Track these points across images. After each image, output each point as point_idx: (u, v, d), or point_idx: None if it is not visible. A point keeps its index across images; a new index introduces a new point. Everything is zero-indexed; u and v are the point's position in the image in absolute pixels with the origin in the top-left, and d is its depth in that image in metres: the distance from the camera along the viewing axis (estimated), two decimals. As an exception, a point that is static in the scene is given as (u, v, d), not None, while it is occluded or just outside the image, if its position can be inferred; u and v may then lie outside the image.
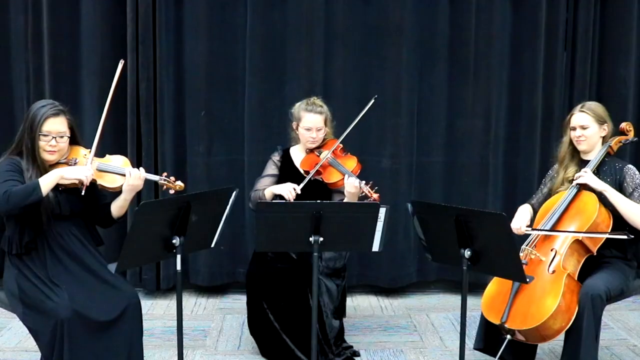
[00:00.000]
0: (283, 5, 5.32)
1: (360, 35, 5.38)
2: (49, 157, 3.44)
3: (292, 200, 4.02)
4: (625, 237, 3.59)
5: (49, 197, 3.37)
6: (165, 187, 3.62)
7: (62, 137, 3.45)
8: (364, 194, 3.99)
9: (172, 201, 3.27)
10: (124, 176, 3.52)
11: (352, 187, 3.99)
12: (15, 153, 3.47)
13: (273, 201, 4.03)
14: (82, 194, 3.38)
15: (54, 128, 3.41)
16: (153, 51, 5.25)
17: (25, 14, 5.30)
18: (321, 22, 5.31)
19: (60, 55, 5.28)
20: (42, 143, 3.41)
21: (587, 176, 3.73)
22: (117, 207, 3.62)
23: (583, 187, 3.76)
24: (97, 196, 3.63)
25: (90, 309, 3.34)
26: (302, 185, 4.11)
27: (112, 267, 3.48)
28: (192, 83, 5.36)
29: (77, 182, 3.37)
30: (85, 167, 3.42)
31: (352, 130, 4.29)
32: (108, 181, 3.53)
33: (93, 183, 3.46)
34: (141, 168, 3.58)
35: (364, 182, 4.02)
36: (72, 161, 3.52)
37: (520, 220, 3.87)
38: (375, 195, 3.98)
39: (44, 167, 3.43)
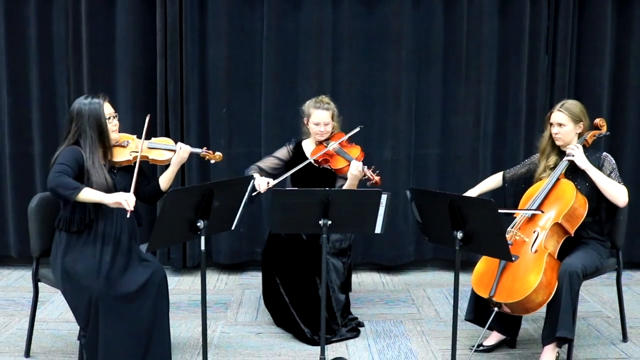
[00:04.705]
0: (295, 14, 5.30)
1: (364, 41, 5.36)
2: (115, 136, 3.55)
3: (261, 191, 4.01)
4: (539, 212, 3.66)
5: (107, 180, 3.41)
6: (207, 157, 3.80)
7: (115, 116, 3.56)
8: (366, 177, 3.99)
9: (197, 188, 3.29)
10: (171, 151, 3.64)
11: (356, 170, 3.97)
12: (72, 143, 3.46)
13: (288, 189, 4.03)
14: (128, 216, 3.30)
15: (110, 110, 3.52)
16: (180, 55, 5.26)
17: (67, 22, 5.30)
18: (329, 29, 5.29)
19: (97, 58, 5.29)
20: (110, 126, 3.50)
21: (576, 153, 3.74)
22: (166, 180, 3.71)
23: (570, 163, 3.77)
24: (146, 176, 3.73)
25: (120, 285, 3.36)
26: (296, 169, 4.11)
27: (144, 247, 3.50)
28: (215, 84, 5.36)
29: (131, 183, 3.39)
30: (128, 194, 3.29)
31: (358, 125, 4.29)
32: (158, 155, 3.64)
33: (144, 161, 3.57)
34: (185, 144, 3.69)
35: (366, 166, 4.02)
36: (125, 142, 3.61)
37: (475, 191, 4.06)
38: (377, 178, 3.97)
39: (110, 150, 3.51)
